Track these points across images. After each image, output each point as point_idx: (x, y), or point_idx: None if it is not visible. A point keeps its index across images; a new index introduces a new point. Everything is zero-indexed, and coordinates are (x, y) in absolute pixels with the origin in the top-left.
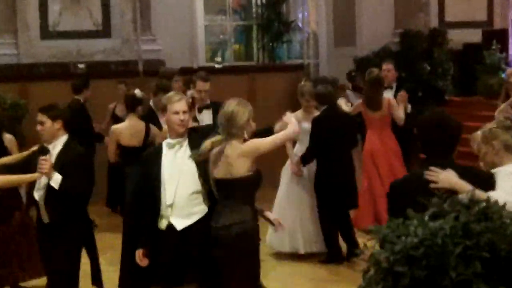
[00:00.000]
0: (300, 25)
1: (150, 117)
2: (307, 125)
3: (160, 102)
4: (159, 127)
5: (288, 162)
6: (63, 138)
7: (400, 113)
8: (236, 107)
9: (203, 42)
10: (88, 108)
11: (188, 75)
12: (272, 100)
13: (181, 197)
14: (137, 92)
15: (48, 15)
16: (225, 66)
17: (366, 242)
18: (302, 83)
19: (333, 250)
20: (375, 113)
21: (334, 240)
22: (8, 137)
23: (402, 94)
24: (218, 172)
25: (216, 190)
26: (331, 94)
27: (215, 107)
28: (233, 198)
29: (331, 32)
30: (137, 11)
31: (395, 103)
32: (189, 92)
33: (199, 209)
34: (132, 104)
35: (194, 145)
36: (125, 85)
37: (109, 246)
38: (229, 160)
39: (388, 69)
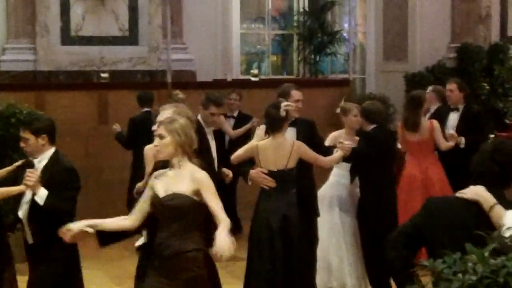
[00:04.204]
0: (346, 36)
1: (197, 133)
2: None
3: (209, 116)
4: (206, 144)
5: (324, 187)
6: (49, 152)
7: (440, 138)
8: None
9: (238, 52)
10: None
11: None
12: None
13: None
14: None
15: (70, 18)
16: (262, 80)
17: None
18: (343, 102)
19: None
20: (412, 135)
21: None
22: None
23: (451, 134)
24: None
25: None
26: (381, 112)
27: (301, 123)
28: None
29: (380, 45)
30: (167, 17)
31: (438, 127)
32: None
33: None
34: None
35: None
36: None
37: None
38: None
39: (451, 89)
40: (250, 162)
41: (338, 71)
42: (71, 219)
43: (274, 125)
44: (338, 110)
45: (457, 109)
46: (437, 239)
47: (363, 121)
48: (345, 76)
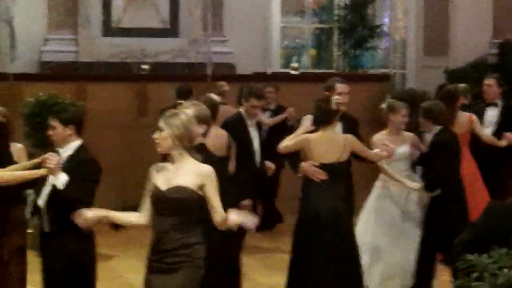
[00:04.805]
0: (386, 30)
1: (238, 125)
2: (401, 149)
3: (250, 109)
4: (246, 136)
5: (380, 182)
6: (75, 143)
7: (481, 131)
8: None
9: (278, 45)
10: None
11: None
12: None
13: None
14: (214, 97)
15: (111, 10)
16: (301, 73)
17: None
18: (389, 99)
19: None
20: None
21: (429, 278)
22: (17, 146)
23: (507, 136)
24: None
25: None
26: (445, 111)
27: (347, 118)
28: None
29: (421, 39)
30: (208, 9)
31: (477, 121)
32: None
33: None
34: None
35: None
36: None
37: None
38: None
39: (489, 84)
40: (298, 153)
41: (378, 65)
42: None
43: (325, 119)
44: (384, 106)
45: (494, 105)
46: (500, 244)
47: (426, 122)
48: (385, 71)
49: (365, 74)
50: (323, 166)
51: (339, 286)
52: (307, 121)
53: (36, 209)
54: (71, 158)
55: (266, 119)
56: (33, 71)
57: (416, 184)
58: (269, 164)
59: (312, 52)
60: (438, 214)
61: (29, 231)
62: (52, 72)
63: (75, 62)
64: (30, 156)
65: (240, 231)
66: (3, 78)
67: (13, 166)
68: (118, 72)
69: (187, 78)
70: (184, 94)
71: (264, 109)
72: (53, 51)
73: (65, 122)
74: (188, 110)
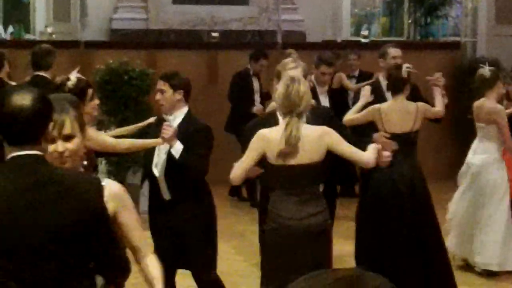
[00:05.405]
0: None
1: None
2: None
3: (320, 76)
4: (318, 102)
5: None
6: (183, 110)
7: None
8: None
9: (348, 13)
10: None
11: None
12: (423, 82)
13: None
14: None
15: None
16: (372, 41)
17: None
18: (486, 67)
19: None
20: None
21: None
22: None
23: None
24: None
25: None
26: None
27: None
28: None
29: (493, 7)
30: None
31: None
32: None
33: None
34: None
35: None
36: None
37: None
38: None
39: None
40: (368, 125)
41: (449, 34)
42: (203, 176)
43: (396, 87)
44: (486, 73)
45: None
46: None
47: None
48: (456, 39)
49: (436, 42)
50: (395, 137)
51: (415, 254)
52: (366, 91)
53: (148, 177)
54: (182, 125)
55: (350, 84)
56: (103, 38)
57: None
58: None
59: (383, 20)
60: None
61: None
62: (122, 39)
63: (145, 29)
64: (99, 123)
65: None
66: (74, 46)
67: (119, 130)
68: (188, 40)
69: (257, 46)
70: (253, 58)
71: (349, 76)
72: (123, 19)
73: (174, 87)
74: (295, 70)
